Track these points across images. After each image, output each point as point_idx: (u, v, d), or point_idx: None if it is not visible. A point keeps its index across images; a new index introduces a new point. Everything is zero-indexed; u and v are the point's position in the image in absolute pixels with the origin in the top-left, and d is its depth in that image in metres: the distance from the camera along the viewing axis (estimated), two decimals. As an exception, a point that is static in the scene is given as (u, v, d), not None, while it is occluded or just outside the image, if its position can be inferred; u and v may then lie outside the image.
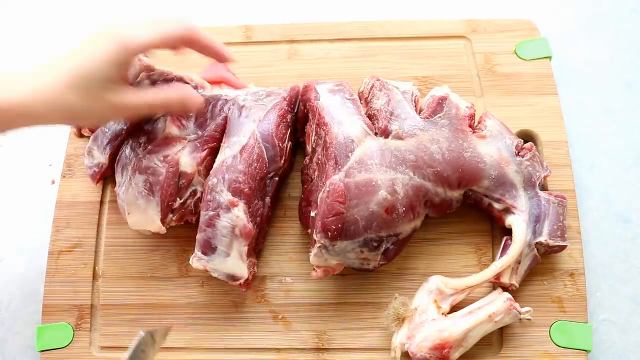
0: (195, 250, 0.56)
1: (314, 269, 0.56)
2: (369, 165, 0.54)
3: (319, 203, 0.54)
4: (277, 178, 0.60)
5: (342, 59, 0.69)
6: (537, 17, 0.73)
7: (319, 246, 0.54)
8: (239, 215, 0.55)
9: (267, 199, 0.60)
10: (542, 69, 0.67)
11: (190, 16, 0.55)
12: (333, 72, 0.69)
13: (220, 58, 0.57)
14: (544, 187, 0.61)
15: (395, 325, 0.56)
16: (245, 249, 0.57)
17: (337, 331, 0.59)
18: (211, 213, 0.55)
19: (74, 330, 0.61)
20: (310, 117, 0.60)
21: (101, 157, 0.61)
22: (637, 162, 0.67)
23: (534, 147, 0.59)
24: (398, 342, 0.55)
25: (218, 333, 0.60)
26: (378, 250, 0.55)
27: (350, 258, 0.55)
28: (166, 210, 0.57)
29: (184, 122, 0.59)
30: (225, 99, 0.61)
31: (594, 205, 0.65)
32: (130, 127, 0.60)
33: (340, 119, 0.56)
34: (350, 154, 0.54)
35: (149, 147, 0.58)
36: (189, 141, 0.59)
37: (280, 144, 0.59)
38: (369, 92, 0.60)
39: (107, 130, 0.60)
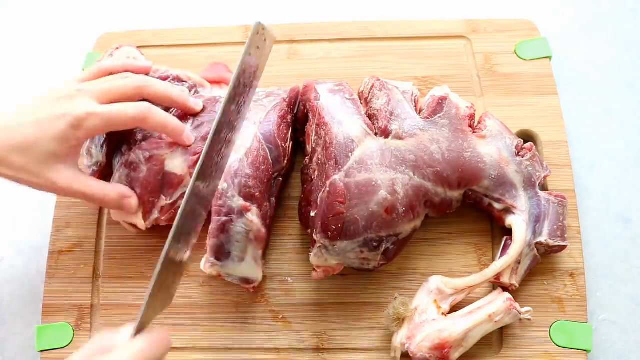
0: (208, 256, 0.55)
1: (314, 269, 0.56)
2: (369, 165, 0.54)
3: (319, 203, 0.54)
4: (280, 178, 0.60)
5: (342, 59, 0.69)
6: (537, 17, 0.73)
7: (319, 246, 0.54)
8: (253, 219, 0.55)
9: (273, 200, 0.60)
10: (542, 69, 0.67)
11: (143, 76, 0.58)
12: (333, 72, 0.69)
13: (183, 109, 0.58)
14: (544, 187, 0.61)
15: (395, 325, 0.56)
16: (260, 252, 0.57)
17: (337, 331, 0.59)
18: (224, 219, 0.55)
19: (74, 330, 0.61)
20: (310, 117, 0.60)
21: (99, 156, 0.61)
22: (637, 162, 0.67)
23: (534, 147, 0.59)
24: (398, 342, 0.55)
25: (218, 333, 0.60)
26: (378, 250, 0.55)
27: (350, 258, 0.55)
28: (148, 205, 0.57)
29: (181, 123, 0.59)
30: None
31: (594, 205, 0.65)
32: None
33: (341, 119, 0.56)
34: (350, 154, 0.54)
35: (143, 144, 0.58)
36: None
37: (283, 144, 0.59)
38: (369, 92, 0.60)
39: None
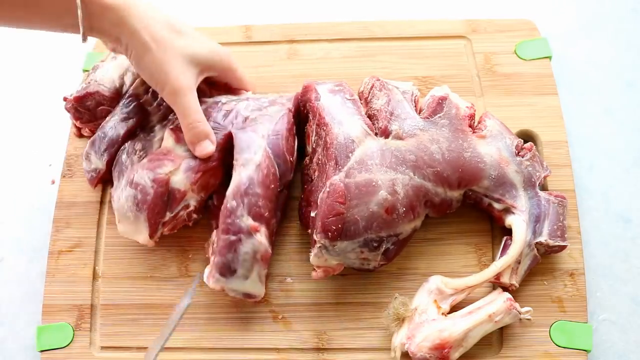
0: (213, 271, 0.55)
1: (314, 269, 0.56)
2: (369, 166, 0.54)
3: (319, 203, 0.54)
4: (286, 191, 0.60)
5: (342, 59, 0.69)
6: (537, 17, 0.73)
7: (319, 246, 0.54)
8: (262, 240, 0.55)
9: (279, 213, 0.60)
10: (542, 69, 0.67)
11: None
12: (333, 72, 0.69)
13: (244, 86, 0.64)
14: (544, 187, 0.61)
15: (395, 325, 0.56)
16: (265, 272, 0.57)
17: (337, 331, 0.59)
18: (232, 238, 0.54)
19: (74, 330, 0.61)
20: (311, 118, 0.60)
21: (98, 163, 0.61)
22: (637, 162, 0.67)
23: (534, 147, 0.59)
24: (398, 342, 0.55)
25: (218, 333, 0.60)
26: (378, 251, 0.55)
27: (351, 258, 0.55)
28: (154, 226, 0.57)
29: (182, 135, 0.58)
30: (227, 111, 0.60)
31: (594, 205, 0.65)
32: (127, 133, 0.60)
33: (341, 119, 0.56)
34: (350, 154, 0.54)
35: (144, 160, 0.57)
36: (185, 158, 0.57)
37: (291, 159, 0.59)
38: (369, 92, 0.60)
39: (104, 135, 0.60)
